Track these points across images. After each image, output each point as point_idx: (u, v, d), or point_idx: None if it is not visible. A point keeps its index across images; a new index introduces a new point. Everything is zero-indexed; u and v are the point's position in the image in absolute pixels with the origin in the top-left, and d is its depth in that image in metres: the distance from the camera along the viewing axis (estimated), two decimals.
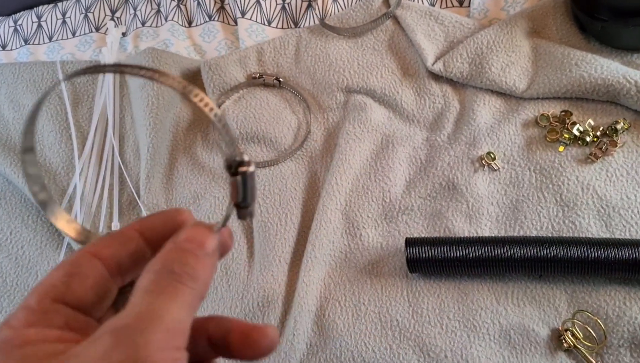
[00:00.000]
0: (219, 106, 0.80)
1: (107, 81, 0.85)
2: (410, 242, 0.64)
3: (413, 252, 0.63)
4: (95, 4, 0.96)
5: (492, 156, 0.70)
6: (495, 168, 0.70)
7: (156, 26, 0.92)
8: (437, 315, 0.64)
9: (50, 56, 0.94)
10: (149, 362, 0.24)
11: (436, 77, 0.78)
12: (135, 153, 0.81)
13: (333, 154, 0.75)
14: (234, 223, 0.74)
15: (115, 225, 0.77)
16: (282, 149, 0.77)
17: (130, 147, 0.82)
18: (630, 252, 0.58)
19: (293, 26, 0.87)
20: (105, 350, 0.25)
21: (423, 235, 0.68)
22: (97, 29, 0.95)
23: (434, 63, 0.76)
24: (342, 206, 0.71)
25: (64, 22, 0.97)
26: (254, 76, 0.81)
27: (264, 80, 0.81)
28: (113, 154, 0.81)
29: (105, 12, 0.96)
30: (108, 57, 0.87)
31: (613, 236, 0.63)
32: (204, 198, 0.77)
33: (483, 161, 0.70)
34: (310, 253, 0.68)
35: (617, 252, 0.58)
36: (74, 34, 0.95)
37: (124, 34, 0.93)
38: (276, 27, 0.88)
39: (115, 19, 0.95)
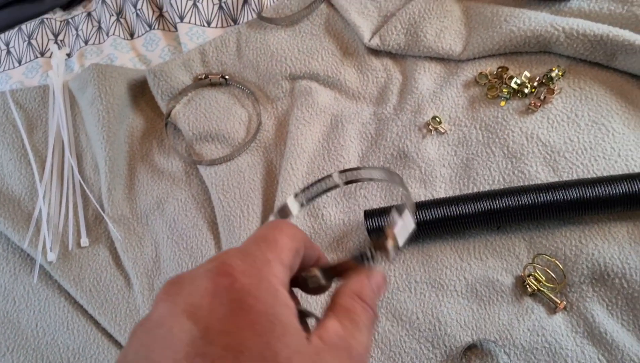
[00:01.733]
0: (170, 111, 0.81)
1: (58, 102, 0.85)
2: (368, 214, 0.66)
3: (372, 223, 0.65)
4: (37, 30, 0.97)
5: (438, 120, 0.72)
6: (442, 131, 0.72)
7: (99, 43, 0.93)
8: (405, 280, 0.66)
9: None
10: None
11: (375, 52, 0.79)
12: (95, 169, 0.82)
13: (286, 141, 0.76)
14: (199, 221, 0.75)
15: (84, 241, 0.77)
16: (236, 144, 0.78)
17: (88, 164, 0.83)
18: (578, 191, 0.60)
19: (232, 24, 0.88)
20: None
21: (382, 206, 0.70)
22: (42, 54, 0.95)
23: (370, 39, 0.78)
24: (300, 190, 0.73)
25: (8, 52, 0.97)
26: (199, 77, 0.82)
27: (210, 80, 0.82)
28: (73, 173, 0.82)
29: (47, 37, 0.96)
30: (55, 79, 0.87)
31: (561, 179, 0.65)
32: (167, 202, 0.78)
33: (430, 127, 0.72)
34: None
35: (564, 193, 0.60)
36: (20, 62, 0.96)
37: (68, 55, 0.94)
38: (216, 27, 0.89)
39: (59, 41, 0.96)
